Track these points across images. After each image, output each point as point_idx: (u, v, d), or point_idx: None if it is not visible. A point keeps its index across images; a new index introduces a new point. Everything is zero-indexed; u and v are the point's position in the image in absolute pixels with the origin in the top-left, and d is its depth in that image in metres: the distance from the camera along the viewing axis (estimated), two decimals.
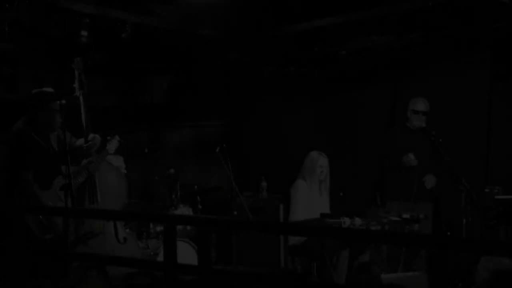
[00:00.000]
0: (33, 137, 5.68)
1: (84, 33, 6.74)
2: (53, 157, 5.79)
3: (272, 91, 9.32)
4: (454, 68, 8.14)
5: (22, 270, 3.15)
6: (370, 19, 7.35)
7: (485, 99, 7.92)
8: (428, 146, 7.16)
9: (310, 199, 6.89)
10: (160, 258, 6.06)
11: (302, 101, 9.37)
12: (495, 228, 7.60)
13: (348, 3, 7.47)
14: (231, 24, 7.70)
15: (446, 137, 7.21)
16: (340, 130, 9.03)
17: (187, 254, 6.73)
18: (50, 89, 6.11)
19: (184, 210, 7.40)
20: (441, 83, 8.21)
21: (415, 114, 7.23)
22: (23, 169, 5.51)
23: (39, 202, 5.49)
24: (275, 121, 9.44)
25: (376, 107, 8.66)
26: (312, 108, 9.29)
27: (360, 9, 7.30)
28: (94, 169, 6.02)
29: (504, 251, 2.12)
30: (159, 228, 7.12)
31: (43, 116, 5.81)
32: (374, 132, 8.35)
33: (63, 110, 5.71)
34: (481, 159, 7.89)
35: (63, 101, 5.77)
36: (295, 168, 7.23)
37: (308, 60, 9.19)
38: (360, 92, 8.90)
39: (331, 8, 7.66)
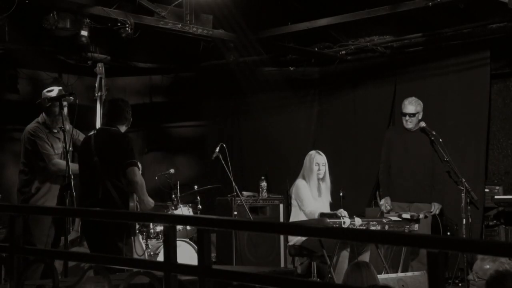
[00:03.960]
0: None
1: (84, 33, 6.75)
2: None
3: (272, 91, 9.32)
4: (454, 68, 8.14)
5: (22, 270, 3.15)
6: (370, 19, 7.35)
7: (485, 98, 7.92)
8: (425, 146, 7.12)
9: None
10: (160, 258, 6.07)
11: (302, 101, 9.37)
12: (495, 228, 7.61)
13: (349, 3, 7.47)
14: (231, 24, 7.70)
15: (446, 137, 7.20)
16: (340, 130, 9.03)
17: (187, 254, 6.74)
18: (58, 88, 6.17)
19: (184, 210, 7.40)
20: (441, 83, 8.21)
21: (402, 116, 7.18)
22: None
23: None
24: (275, 121, 9.44)
25: (376, 107, 8.66)
26: (312, 108, 9.30)
27: (360, 9, 7.30)
28: None
29: (504, 251, 2.11)
30: (159, 228, 7.12)
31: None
32: (374, 132, 8.35)
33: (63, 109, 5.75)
34: (481, 159, 7.89)
35: (71, 99, 5.84)
36: (295, 168, 7.22)
37: (308, 60, 9.19)
38: (360, 92, 8.90)
39: (331, 8, 7.66)
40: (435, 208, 7.03)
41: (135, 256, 6.37)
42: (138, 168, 5.45)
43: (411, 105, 7.10)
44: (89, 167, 5.49)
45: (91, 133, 5.68)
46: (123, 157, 5.40)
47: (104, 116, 5.77)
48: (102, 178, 5.38)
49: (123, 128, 5.63)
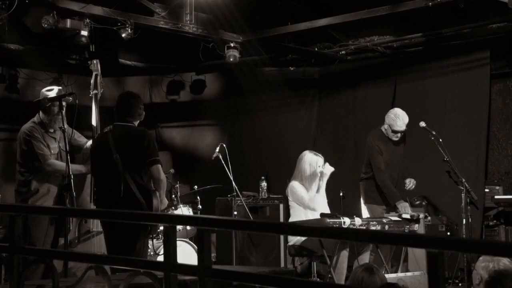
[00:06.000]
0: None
1: (84, 33, 6.74)
2: None
3: (272, 91, 9.33)
4: (454, 68, 8.14)
5: (22, 270, 3.15)
6: (370, 19, 7.35)
7: (485, 98, 7.93)
8: (401, 150, 7.07)
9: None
10: (160, 258, 6.07)
11: (302, 101, 9.37)
12: (495, 228, 7.60)
13: (349, 3, 7.47)
14: (232, 24, 7.70)
15: (446, 137, 7.19)
16: (340, 130, 9.03)
17: (187, 254, 6.74)
18: (58, 87, 6.12)
19: (184, 210, 7.40)
20: (440, 83, 8.21)
21: (394, 133, 6.97)
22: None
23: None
24: (275, 121, 9.45)
25: (376, 107, 8.66)
26: (312, 108, 9.30)
27: (360, 9, 7.30)
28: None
29: (504, 251, 2.12)
30: (159, 228, 7.12)
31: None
32: None
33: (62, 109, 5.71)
34: (481, 159, 7.89)
35: (69, 99, 5.80)
36: (295, 168, 7.22)
37: (308, 60, 9.20)
38: (360, 92, 8.90)
39: (331, 8, 7.67)
40: (411, 182, 6.97)
41: (149, 255, 6.37)
42: (162, 165, 5.40)
43: (404, 123, 6.94)
44: (108, 165, 5.33)
45: (106, 129, 5.57)
46: (146, 155, 5.28)
47: (116, 112, 5.57)
48: (124, 176, 5.26)
49: (136, 124, 5.53)
